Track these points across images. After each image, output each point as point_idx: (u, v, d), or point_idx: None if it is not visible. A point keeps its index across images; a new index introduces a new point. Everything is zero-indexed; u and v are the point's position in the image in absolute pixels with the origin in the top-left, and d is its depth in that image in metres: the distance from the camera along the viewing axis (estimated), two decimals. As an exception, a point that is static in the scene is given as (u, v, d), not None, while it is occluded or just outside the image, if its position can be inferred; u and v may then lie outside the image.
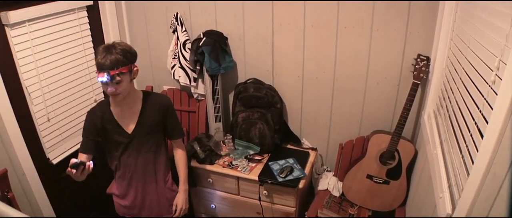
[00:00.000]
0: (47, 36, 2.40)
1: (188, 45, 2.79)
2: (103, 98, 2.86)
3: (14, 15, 2.14)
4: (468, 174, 1.32)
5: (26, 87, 2.31)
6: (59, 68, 2.52)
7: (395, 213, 2.53)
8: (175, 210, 2.23)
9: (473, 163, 1.27)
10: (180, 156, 2.24)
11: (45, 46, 2.40)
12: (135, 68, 1.89)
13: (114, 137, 2.04)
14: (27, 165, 2.36)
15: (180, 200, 2.24)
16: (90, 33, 2.75)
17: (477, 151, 1.23)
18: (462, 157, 1.43)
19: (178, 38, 2.82)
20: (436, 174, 1.72)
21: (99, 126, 2.01)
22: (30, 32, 2.27)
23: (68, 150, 2.70)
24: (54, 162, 2.58)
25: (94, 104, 2.48)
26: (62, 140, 2.64)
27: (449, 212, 1.42)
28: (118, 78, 1.79)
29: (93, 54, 2.76)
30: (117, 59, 1.76)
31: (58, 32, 2.48)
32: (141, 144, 2.07)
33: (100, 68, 1.76)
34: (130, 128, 2.03)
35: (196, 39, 2.70)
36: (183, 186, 2.25)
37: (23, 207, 2.35)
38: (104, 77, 1.76)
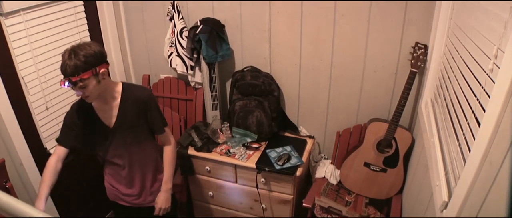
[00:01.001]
0: (43, 25, 2.38)
1: (185, 33, 2.77)
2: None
3: (8, 4, 2.11)
4: (464, 162, 1.33)
5: (22, 77, 2.30)
6: (55, 57, 2.49)
7: (392, 200, 2.55)
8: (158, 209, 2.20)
9: (470, 151, 1.27)
10: (165, 154, 2.19)
11: (40, 35, 2.37)
12: (101, 70, 1.80)
13: (96, 131, 2.03)
14: (24, 155, 2.36)
15: (160, 199, 2.18)
16: (86, 22, 2.72)
17: (474, 139, 1.23)
18: (459, 145, 1.43)
19: (175, 26, 2.80)
20: (433, 162, 1.72)
21: (80, 122, 1.99)
22: (25, 21, 2.25)
23: (66, 139, 2.69)
24: (52, 151, 2.56)
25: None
26: (59, 129, 2.61)
27: (445, 200, 1.43)
28: (80, 84, 1.73)
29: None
30: (76, 66, 1.69)
31: (54, 21, 2.46)
32: (124, 137, 2.05)
33: (62, 74, 1.72)
34: (111, 122, 2.01)
35: (193, 27, 2.69)
36: (165, 186, 2.19)
37: (21, 197, 2.35)
38: (65, 85, 1.72)
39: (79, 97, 1.88)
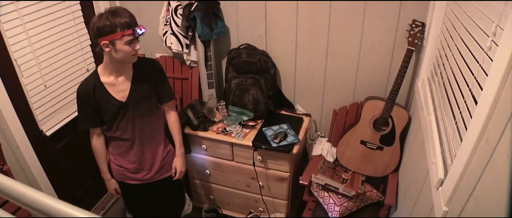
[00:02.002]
0: (35, 6, 2.32)
1: (180, 11, 2.73)
2: (94, 68, 2.81)
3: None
4: (461, 140, 1.34)
5: (16, 60, 2.25)
6: (48, 38, 2.45)
7: (388, 178, 2.57)
8: (175, 173, 2.34)
9: (466, 129, 1.27)
10: (173, 120, 2.29)
11: (32, 16, 2.32)
12: None
13: (108, 107, 2.04)
14: (20, 137, 2.35)
15: (179, 163, 2.32)
16: (79, 2, 2.66)
17: (471, 117, 1.24)
18: (456, 123, 1.44)
19: (169, 4, 2.76)
20: (429, 140, 1.74)
21: (92, 102, 2.02)
22: (17, 1, 2.19)
23: (61, 121, 2.68)
24: (48, 134, 2.56)
25: (86, 74, 2.47)
26: (55, 111, 2.61)
27: (441, 177, 1.44)
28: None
29: (83, 23, 2.70)
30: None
31: (46, 1, 2.40)
32: (136, 110, 2.08)
33: (130, 25, 1.80)
34: (123, 96, 2.03)
35: (188, 4, 2.64)
36: (179, 150, 2.32)
37: (19, 180, 2.35)
38: (143, 29, 1.84)
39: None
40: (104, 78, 2.00)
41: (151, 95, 2.12)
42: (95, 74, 2.01)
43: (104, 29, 1.76)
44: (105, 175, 2.31)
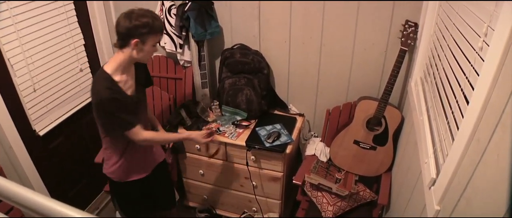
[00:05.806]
0: (28, 5, 2.31)
1: (174, 11, 2.72)
2: (88, 67, 2.81)
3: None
4: (452, 139, 1.35)
5: (8, 59, 2.24)
6: (41, 38, 2.44)
7: (381, 178, 2.59)
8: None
9: (458, 128, 1.28)
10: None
11: (25, 15, 2.31)
12: None
13: (128, 103, 2.03)
14: (13, 137, 2.34)
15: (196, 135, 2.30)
16: (72, 1, 2.65)
17: (462, 117, 1.25)
18: (448, 123, 1.45)
19: (163, 3, 2.75)
20: (422, 140, 1.75)
21: (124, 100, 1.99)
22: (9, 0, 2.18)
23: (55, 121, 2.66)
24: (41, 133, 2.55)
25: (80, 73, 2.44)
26: (48, 111, 2.60)
27: (434, 177, 1.46)
28: None
29: (77, 23, 2.70)
30: None
31: (39, 1, 2.39)
32: (142, 102, 2.14)
33: (162, 29, 1.90)
34: (131, 92, 2.03)
35: (181, 4, 2.64)
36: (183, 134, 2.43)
37: (12, 179, 2.33)
38: None
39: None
40: (117, 77, 1.92)
41: (144, 86, 2.18)
42: (106, 77, 1.90)
43: (143, 28, 1.81)
44: (183, 136, 2.34)
